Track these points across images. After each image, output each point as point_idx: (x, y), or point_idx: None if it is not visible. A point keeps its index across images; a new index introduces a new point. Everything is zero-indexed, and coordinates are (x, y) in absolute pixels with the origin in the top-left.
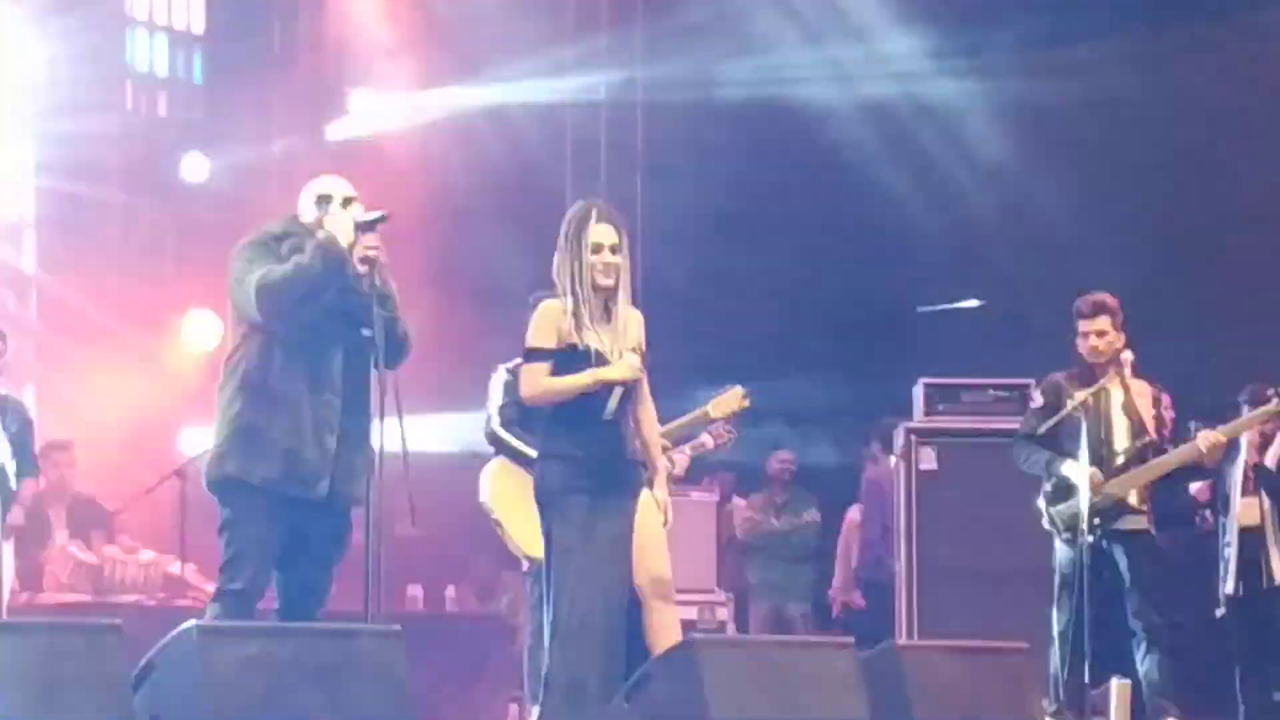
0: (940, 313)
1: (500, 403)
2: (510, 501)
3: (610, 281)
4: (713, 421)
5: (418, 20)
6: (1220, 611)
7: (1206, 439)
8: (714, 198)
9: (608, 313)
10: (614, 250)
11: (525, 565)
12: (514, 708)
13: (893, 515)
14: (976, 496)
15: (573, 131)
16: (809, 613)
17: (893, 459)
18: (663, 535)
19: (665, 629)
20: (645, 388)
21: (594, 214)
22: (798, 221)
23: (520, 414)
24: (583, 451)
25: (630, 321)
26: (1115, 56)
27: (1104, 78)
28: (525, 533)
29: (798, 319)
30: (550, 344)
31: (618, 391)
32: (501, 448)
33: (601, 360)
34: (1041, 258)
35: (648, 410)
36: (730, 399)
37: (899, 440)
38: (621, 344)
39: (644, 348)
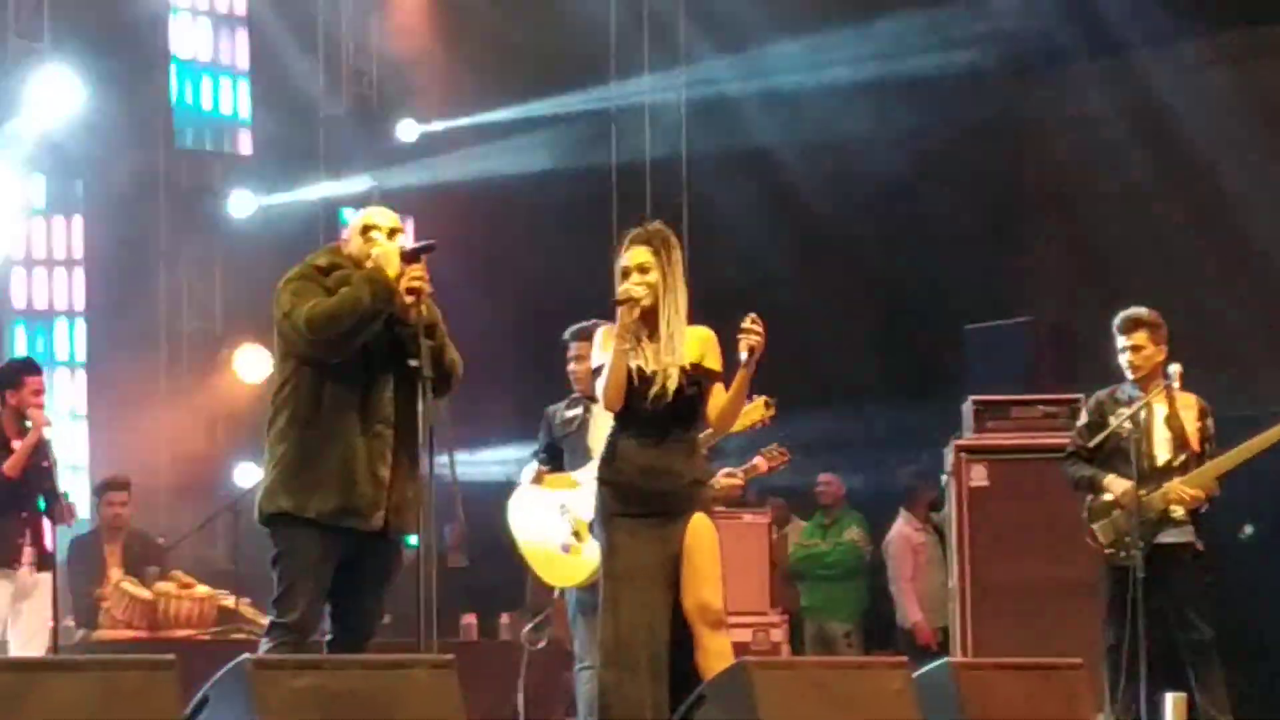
0: (989, 329)
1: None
2: (528, 533)
3: (644, 301)
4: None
5: (459, 47)
6: None
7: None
8: (758, 213)
9: (654, 331)
10: (642, 270)
11: (556, 592)
12: None
13: None
14: (1028, 512)
15: (619, 138)
16: (852, 632)
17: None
18: (716, 561)
19: (716, 656)
20: (703, 407)
21: (628, 238)
22: (845, 237)
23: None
24: (626, 476)
25: (689, 339)
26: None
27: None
28: (544, 565)
29: (845, 334)
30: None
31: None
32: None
33: (643, 378)
34: (1093, 272)
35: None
36: (752, 410)
37: (949, 457)
38: (671, 361)
39: (706, 364)
